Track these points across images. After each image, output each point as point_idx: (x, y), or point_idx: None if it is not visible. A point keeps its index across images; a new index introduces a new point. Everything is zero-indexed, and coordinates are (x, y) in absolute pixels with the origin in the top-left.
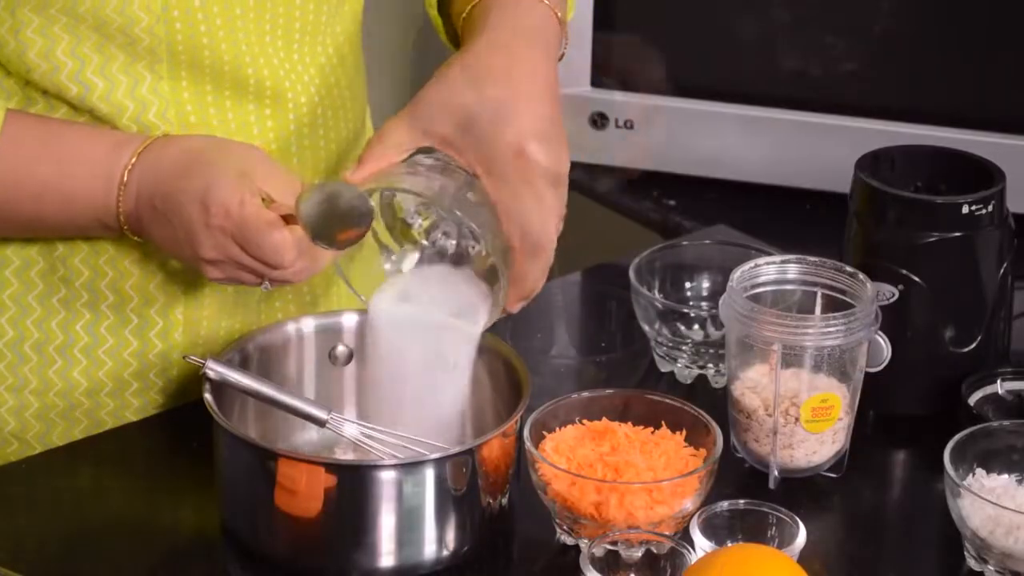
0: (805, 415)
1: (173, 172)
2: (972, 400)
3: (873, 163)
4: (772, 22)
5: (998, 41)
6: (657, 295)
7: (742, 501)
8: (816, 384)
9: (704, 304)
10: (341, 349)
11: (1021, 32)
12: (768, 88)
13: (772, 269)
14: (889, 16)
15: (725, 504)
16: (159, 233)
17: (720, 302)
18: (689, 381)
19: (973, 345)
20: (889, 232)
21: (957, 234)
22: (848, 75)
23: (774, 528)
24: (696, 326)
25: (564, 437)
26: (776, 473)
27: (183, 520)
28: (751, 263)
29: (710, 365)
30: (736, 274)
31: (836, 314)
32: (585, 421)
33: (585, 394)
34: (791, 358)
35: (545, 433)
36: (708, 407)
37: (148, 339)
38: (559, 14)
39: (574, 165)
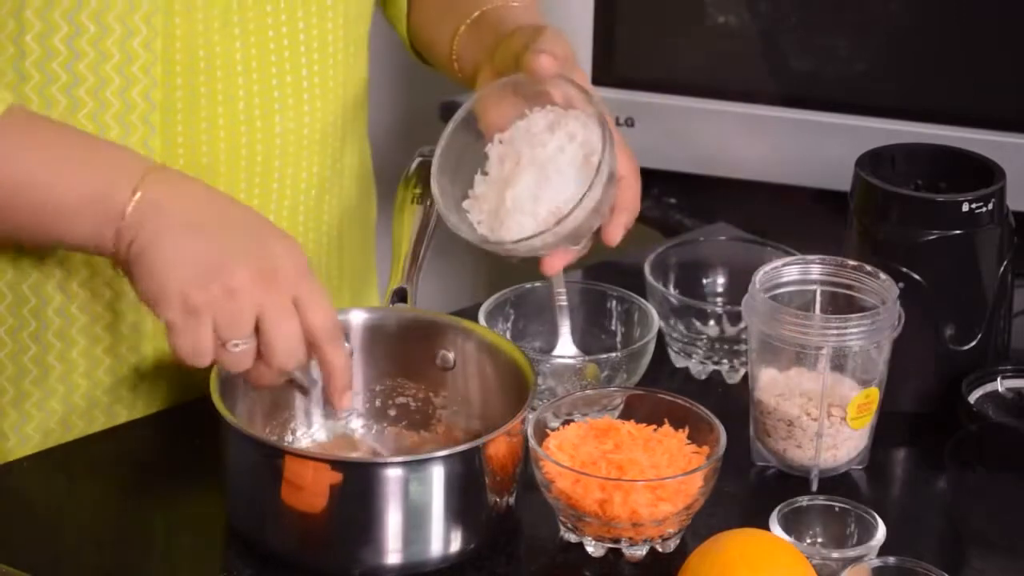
0: (851, 412)
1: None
2: (972, 398)
3: (873, 161)
4: (773, 20)
5: (998, 39)
6: (673, 290)
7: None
8: (845, 382)
9: (719, 300)
10: (344, 348)
11: (1021, 30)
12: (769, 86)
13: (794, 270)
14: (890, 15)
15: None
16: (185, 224)
17: (746, 308)
18: (704, 377)
19: (973, 343)
20: (889, 230)
21: (957, 232)
22: (849, 73)
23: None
24: (712, 322)
25: (567, 435)
26: (816, 473)
27: (188, 517)
28: (769, 266)
29: (724, 361)
30: (760, 279)
31: (866, 314)
32: (588, 419)
33: (588, 392)
34: (826, 360)
35: (548, 431)
36: (722, 403)
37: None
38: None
39: None
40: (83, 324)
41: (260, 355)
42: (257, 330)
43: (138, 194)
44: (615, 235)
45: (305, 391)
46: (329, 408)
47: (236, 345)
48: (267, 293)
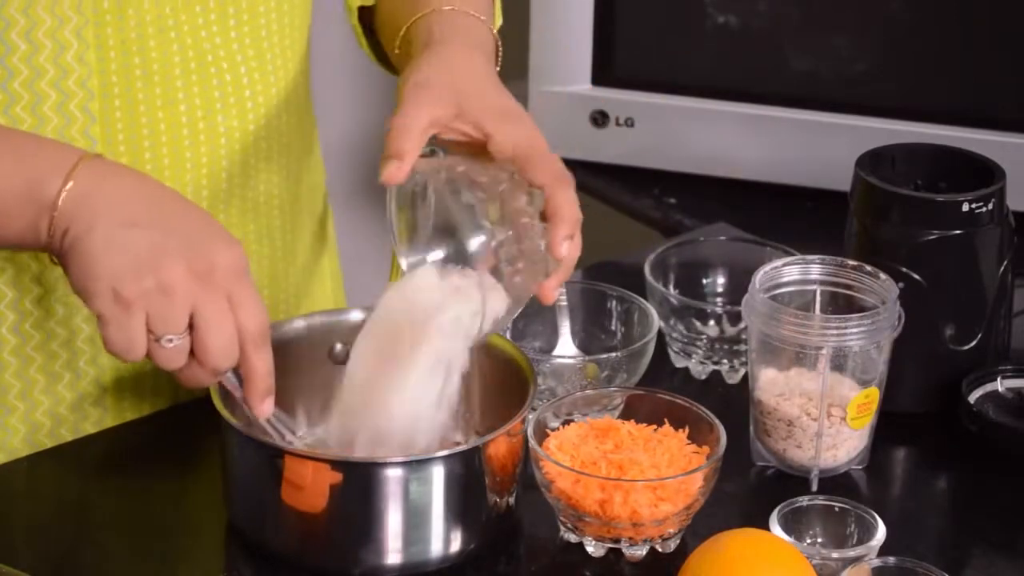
0: (851, 412)
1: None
2: (972, 398)
3: (873, 161)
4: (773, 20)
5: (998, 39)
6: (672, 291)
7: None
8: (845, 382)
9: (719, 300)
10: (339, 347)
11: (1021, 30)
12: (769, 86)
13: (794, 270)
14: (890, 14)
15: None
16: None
17: (746, 308)
18: (704, 377)
19: (973, 343)
20: (889, 230)
21: (957, 232)
22: (849, 73)
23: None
24: (712, 322)
25: (567, 435)
26: (816, 473)
27: (188, 517)
28: (769, 266)
29: (724, 361)
30: (760, 279)
31: (866, 314)
32: (588, 419)
33: (588, 392)
34: (826, 360)
35: (548, 431)
36: (723, 403)
37: None
38: (493, 30)
39: (575, 164)
40: (39, 341)
41: (193, 354)
42: (191, 327)
43: (70, 184)
44: (559, 250)
45: (233, 394)
46: (251, 413)
47: (170, 340)
48: (203, 290)
